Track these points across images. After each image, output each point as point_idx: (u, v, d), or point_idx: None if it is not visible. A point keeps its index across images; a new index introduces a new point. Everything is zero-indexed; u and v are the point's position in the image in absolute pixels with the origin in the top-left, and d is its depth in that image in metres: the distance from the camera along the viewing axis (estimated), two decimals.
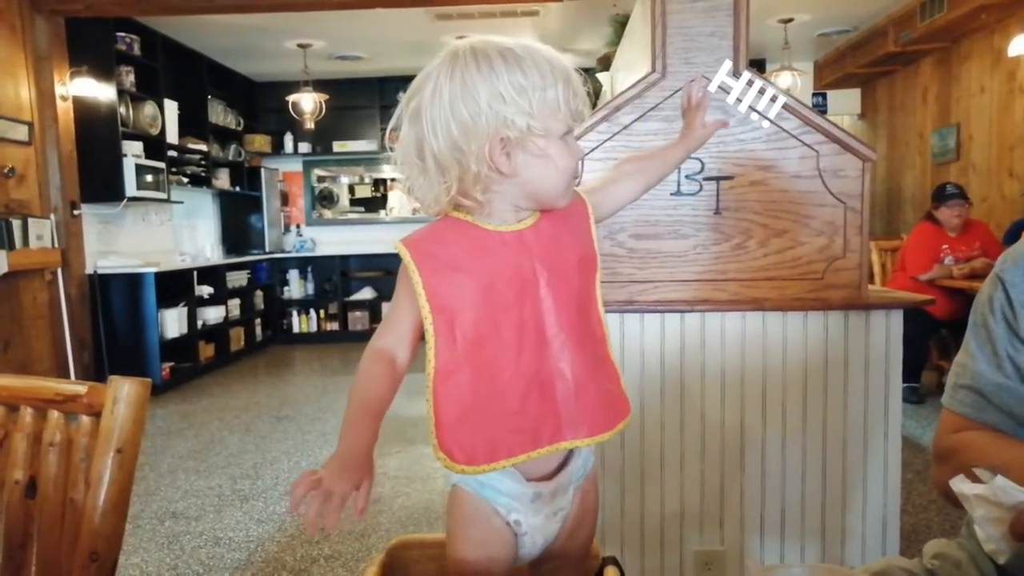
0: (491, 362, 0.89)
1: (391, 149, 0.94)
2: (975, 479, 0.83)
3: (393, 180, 7.94)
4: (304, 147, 7.63)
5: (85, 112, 4.90)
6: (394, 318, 0.94)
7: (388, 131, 0.95)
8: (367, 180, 8.00)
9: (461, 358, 0.89)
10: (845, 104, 7.37)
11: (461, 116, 0.85)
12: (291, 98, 6.42)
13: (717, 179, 1.70)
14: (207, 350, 5.94)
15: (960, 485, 0.82)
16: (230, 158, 6.98)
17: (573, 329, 0.91)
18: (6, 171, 4.23)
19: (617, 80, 3.87)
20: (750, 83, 1.65)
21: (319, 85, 6.53)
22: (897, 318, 1.71)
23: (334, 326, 7.49)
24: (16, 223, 4.23)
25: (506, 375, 0.89)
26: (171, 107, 5.82)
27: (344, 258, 7.52)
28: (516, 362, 0.89)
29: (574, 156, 0.91)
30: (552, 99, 0.86)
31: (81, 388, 0.95)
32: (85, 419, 0.95)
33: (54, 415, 0.97)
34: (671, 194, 1.71)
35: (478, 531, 0.93)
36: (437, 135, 0.86)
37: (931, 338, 4.44)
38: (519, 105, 0.85)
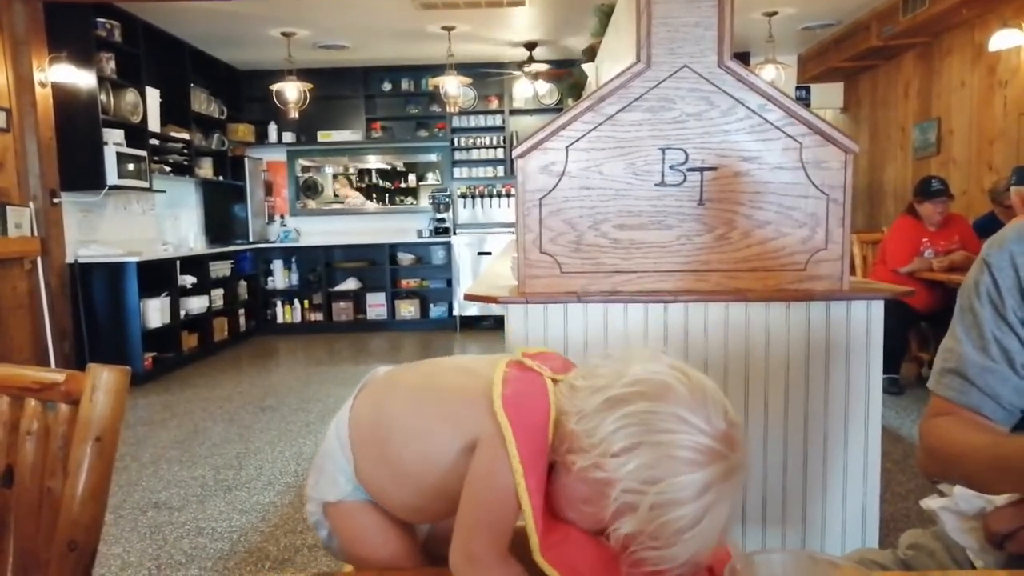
0: None
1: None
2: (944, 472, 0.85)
3: (378, 176, 7.87)
4: (288, 137, 7.57)
5: (65, 99, 4.83)
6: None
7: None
8: (352, 170, 7.96)
9: None
10: (828, 98, 7.41)
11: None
12: (275, 87, 6.35)
13: (701, 170, 1.71)
14: (190, 340, 5.91)
15: (928, 502, 0.85)
16: (213, 147, 6.92)
17: None
18: None
19: (602, 70, 3.87)
20: None
21: (303, 74, 6.47)
22: (878, 308, 1.73)
23: (318, 316, 7.46)
24: None
25: None
26: (153, 95, 5.75)
27: (328, 248, 7.48)
28: None
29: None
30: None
31: (59, 376, 0.94)
32: (63, 407, 0.94)
33: (31, 403, 0.96)
34: (655, 184, 1.72)
35: (371, 516, 0.90)
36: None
37: (911, 330, 4.49)
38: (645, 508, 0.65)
